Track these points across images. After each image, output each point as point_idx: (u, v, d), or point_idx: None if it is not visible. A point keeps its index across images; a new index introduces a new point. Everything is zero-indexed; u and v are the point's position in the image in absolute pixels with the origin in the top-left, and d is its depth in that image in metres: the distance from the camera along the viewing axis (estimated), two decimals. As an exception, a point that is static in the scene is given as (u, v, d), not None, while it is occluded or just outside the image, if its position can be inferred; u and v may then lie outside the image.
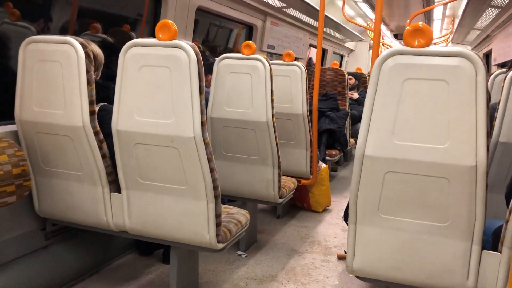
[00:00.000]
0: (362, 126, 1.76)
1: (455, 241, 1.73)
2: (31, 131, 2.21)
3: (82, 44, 2.07)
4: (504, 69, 2.87)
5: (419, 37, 1.66)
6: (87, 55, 2.07)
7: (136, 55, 2.01)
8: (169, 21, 1.95)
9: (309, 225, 3.83)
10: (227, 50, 5.68)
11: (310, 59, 8.20)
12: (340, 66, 8.98)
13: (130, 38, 2.17)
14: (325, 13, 5.50)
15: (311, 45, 7.17)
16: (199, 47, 4.66)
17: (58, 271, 2.49)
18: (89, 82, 2.07)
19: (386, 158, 1.73)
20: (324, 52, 8.26)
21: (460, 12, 6.07)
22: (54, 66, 2.10)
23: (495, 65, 6.16)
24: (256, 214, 3.37)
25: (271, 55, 5.94)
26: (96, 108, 2.15)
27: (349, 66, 10.00)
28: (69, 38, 2.07)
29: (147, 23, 3.75)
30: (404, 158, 1.70)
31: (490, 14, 5.15)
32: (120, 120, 2.07)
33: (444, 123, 1.64)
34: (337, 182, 5.36)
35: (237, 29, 5.82)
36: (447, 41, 9.48)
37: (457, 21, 6.76)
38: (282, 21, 5.51)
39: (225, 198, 3.36)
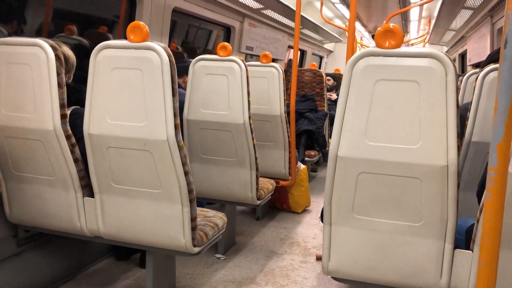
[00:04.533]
0: (335, 127, 1.76)
1: (428, 240, 1.75)
2: (0, 136, 2.15)
3: (52, 46, 2.02)
4: (478, 69, 2.91)
5: (390, 38, 1.67)
6: (57, 57, 2.02)
7: (107, 57, 1.98)
8: (141, 22, 1.92)
9: (289, 226, 3.83)
10: (206, 51, 5.65)
11: (290, 60, 8.22)
12: (320, 67, 9.05)
13: (107, 40, 2.13)
14: (303, 14, 5.54)
15: (290, 47, 7.19)
16: (177, 49, 4.64)
17: (31, 279, 2.43)
18: (59, 85, 2.03)
19: (359, 159, 1.73)
20: (303, 53, 8.29)
21: (435, 13, 6.17)
22: (24, 69, 2.05)
23: (470, 65, 6.27)
24: (234, 216, 3.36)
25: (250, 57, 5.94)
26: (68, 112, 2.11)
27: (329, 67, 10.06)
28: (38, 40, 2.02)
29: (124, 24, 3.70)
30: (376, 158, 1.71)
31: (464, 15, 5.24)
32: (91, 124, 2.03)
33: (416, 124, 1.65)
34: (316, 183, 5.38)
35: (216, 31, 5.80)
36: (424, 41, 9.63)
37: (433, 22, 6.86)
38: (260, 22, 5.51)
39: (203, 201, 3.33)
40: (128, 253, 2.97)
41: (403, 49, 1.66)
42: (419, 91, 1.64)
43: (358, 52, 1.72)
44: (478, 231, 1.65)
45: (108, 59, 1.97)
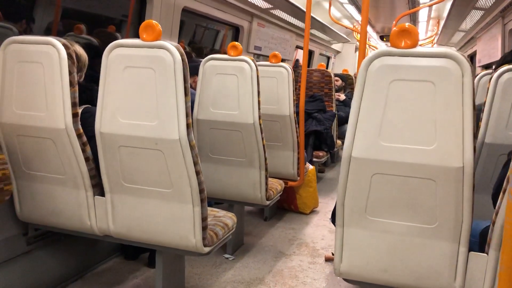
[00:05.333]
0: (349, 127, 1.74)
1: (442, 242, 1.73)
2: (12, 134, 2.15)
3: (64, 45, 2.02)
4: (490, 71, 2.89)
5: (405, 38, 1.65)
6: (69, 56, 2.02)
7: (119, 56, 1.97)
8: (154, 21, 1.91)
9: (297, 227, 3.81)
10: (213, 51, 5.65)
11: (297, 60, 8.20)
12: (327, 68, 9.01)
13: (115, 39, 2.13)
14: (312, 15, 5.52)
15: (297, 47, 7.18)
16: (185, 49, 4.64)
17: (41, 277, 2.44)
18: (71, 84, 2.02)
19: (373, 159, 1.72)
20: (310, 53, 8.27)
21: (445, 14, 6.13)
22: (36, 67, 2.05)
23: (479, 66, 6.22)
24: (243, 217, 3.35)
25: (258, 57, 5.92)
26: (79, 110, 2.11)
27: (336, 67, 10.04)
28: (51, 39, 2.02)
29: (133, 24, 3.71)
30: (390, 159, 1.69)
31: (474, 16, 5.20)
32: (103, 122, 2.02)
33: (431, 125, 1.63)
34: (324, 184, 5.36)
35: (223, 31, 5.80)
36: (432, 42, 9.57)
37: (442, 22, 6.82)
38: (269, 22, 5.50)
39: (211, 200, 3.33)
40: (137, 253, 2.97)
41: (419, 49, 1.64)
42: (435, 91, 1.62)
43: (373, 51, 1.71)
44: (494, 233, 1.62)
45: (121, 58, 1.97)
